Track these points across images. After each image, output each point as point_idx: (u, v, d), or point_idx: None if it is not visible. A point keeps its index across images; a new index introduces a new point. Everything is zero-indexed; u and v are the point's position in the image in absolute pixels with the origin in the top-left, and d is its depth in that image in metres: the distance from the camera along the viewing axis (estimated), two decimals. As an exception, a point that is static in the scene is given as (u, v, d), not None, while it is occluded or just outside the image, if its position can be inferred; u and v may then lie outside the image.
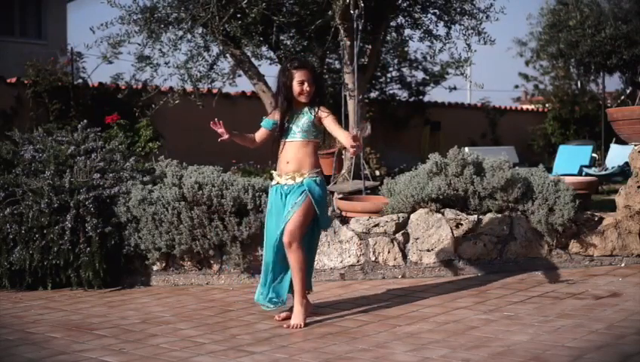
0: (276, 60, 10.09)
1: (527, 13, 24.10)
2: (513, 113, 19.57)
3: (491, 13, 9.54)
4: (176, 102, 9.61)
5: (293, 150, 4.54)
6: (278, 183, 4.58)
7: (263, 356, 3.78)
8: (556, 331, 4.09)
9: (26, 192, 5.72)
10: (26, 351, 3.97)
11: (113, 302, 5.26)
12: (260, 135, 4.77)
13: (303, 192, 4.45)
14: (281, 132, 4.57)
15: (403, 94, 17.17)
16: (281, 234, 4.42)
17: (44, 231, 5.60)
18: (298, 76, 4.52)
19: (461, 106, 18.87)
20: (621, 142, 9.31)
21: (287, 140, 4.56)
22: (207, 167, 5.92)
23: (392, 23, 10.38)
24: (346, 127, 9.15)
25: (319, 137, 4.62)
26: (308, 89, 4.51)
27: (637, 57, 14.01)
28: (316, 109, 4.54)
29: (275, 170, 4.66)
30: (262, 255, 5.66)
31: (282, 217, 4.46)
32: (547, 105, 19.47)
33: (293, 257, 4.39)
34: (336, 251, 5.73)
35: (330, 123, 4.53)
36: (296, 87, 4.52)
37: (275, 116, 4.66)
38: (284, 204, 4.49)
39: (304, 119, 4.54)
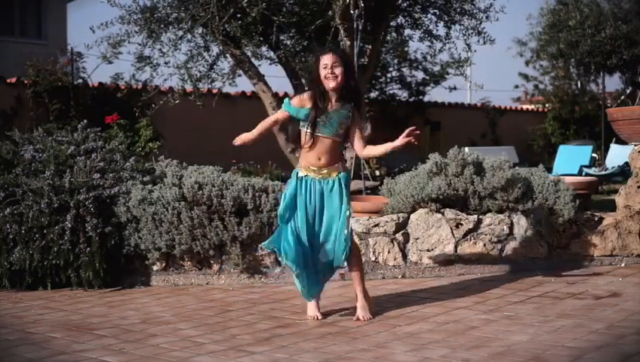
0: (276, 60, 10.10)
1: (527, 13, 24.15)
2: (513, 113, 19.58)
3: (491, 13, 9.55)
4: (176, 102, 9.61)
5: (327, 146, 4.46)
6: (307, 175, 4.48)
7: (263, 356, 3.78)
8: (556, 331, 4.09)
9: (26, 192, 5.72)
10: (26, 351, 3.97)
11: (113, 302, 5.26)
12: (281, 118, 4.56)
13: (341, 187, 4.49)
14: (314, 125, 4.41)
15: (403, 94, 17.20)
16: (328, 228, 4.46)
17: (44, 231, 5.59)
18: (323, 60, 4.39)
19: (461, 106, 18.88)
20: (621, 142, 9.31)
21: (321, 135, 4.43)
22: (207, 167, 5.92)
23: (392, 23, 10.38)
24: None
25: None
26: (331, 71, 4.35)
27: (637, 57, 14.02)
28: (351, 109, 4.49)
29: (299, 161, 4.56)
30: (262, 255, 5.68)
31: (318, 210, 4.45)
32: (547, 105, 19.47)
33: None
34: (336, 251, 5.72)
35: (357, 135, 4.57)
36: (321, 71, 4.38)
37: (306, 103, 4.43)
38: (319, 197, 4.46)
39: (340, 117, 4.44)
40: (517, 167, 6.25)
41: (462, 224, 5.78)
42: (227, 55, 9.54)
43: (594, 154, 12.41)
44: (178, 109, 10.46)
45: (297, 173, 4.53)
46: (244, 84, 22.15)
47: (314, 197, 4.47)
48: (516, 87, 24.79)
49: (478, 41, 9.56)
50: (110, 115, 9.77)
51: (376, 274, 5.73)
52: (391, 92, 16.99)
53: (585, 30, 14.07)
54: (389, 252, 5.75)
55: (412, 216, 5.85)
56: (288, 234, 4.45)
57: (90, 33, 9.39)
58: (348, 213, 4.46)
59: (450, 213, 5.82)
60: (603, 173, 10.89)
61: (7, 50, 15.30)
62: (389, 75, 16.88)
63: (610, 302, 4.74)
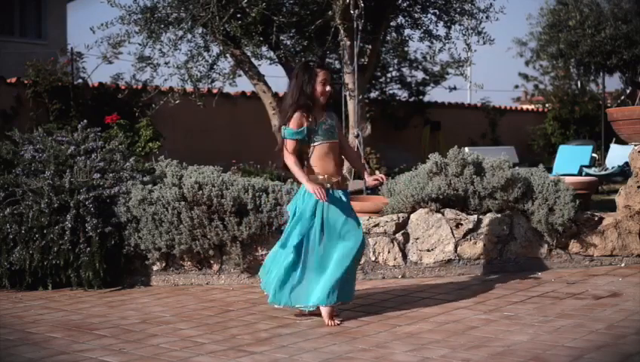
0: (276, 60, 10.10)
1: (527, 13, 24.15)
2: (513, 113, 19.57)
3: (491, 13, 9.58)
4: (177, 101, 9.62)
5: (337, 151, 4.55)
6: (329, 188, 4.46)
7: (263, 356, 3.78)
8: (556, 331, 4.09)
9: (26, 192, 5.72)
10: (26, 351, 3.97)
11: (113, 302, 5.26)
12: (296, 149, 4.46)
13: (348, 196, 4.57)
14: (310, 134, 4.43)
15: (403, 94, 17.20)
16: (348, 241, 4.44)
17: (44, 231, 5.59)
18: (321, 75, 4.46)
19: (461, 106, 18.87)
20: (621, 142, 9.31)
21: (330, 141, 4.49)
22: (207, 167, 5.91)
23: (392, 23, 10.40)
24: (346, 127, 9.19)
25: None
26: (329, 89, 4.49)
27: (637, 57, 14.02)
28: (335, 118, 4.60)
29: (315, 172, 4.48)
30: (262, 255, 5.68)
31: (334, 224, 4.43)
32: (547, 105, 19.47)
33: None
34: (336, 251, 5.72)
35: (344, 141, 4.73)
36: (318, 87, 4.45)
37: (301, 123, 4.41)
38: (336, 208, 4.45)
39: (331, 123, 4.53)
40: (517, 167, 6.25)
41: (462, 224, 5.78)
42: (227, 55, 9.55)
43: (594, 154, 12.40)
44: (178, 109, 10.47)
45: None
46: (244, 84, 22.14)
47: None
48: (516, 87, 24.79)
49: (478, 41, 9.59)
50: (110, 115, 9.75)
51: (376, 274, 5.73)
52: (391, 92, 16.99)
53: (585, 30, 14.07)
54: (389, 252, 5.75)
55: (412, 216, 5.85)
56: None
57: (90, 33, 9.40)
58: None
59: (450, 213, 5.82)
60: (603, 173, 10.89)
61: (7, 50, 15.28)
62: (389, 75, 16.88)
63: (610, 302, 4.74)
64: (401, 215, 5.84)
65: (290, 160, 4.44)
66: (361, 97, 9.35)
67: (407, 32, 10.71)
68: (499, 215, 5.86)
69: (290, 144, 4.44)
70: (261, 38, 9.14)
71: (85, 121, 6.53)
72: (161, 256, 5.73)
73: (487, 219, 5.83)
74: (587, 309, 4.58)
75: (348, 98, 9.26)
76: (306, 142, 4.44)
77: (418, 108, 17.01)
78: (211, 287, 5.67)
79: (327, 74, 4.51)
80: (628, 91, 16.29)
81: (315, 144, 4.45)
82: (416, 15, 10.01)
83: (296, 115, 4.42)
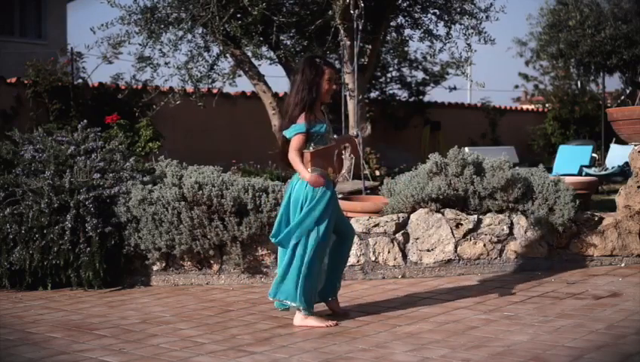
0: (276, 60, 10.10)
1: (527, 13, 24.17)
2: (513, 113, 19.58)
3: (491, 13, 9.58)
4: (177, 102, 9.62)
5: (334, 154, 4.54)
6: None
7: (263, 356, 3.78)
8: (556, 331, 4.09)
9: (26, 192, 5.72)
10: (26, 351, 3.97)
11: (113, 302, 5.26)
12: (302, 147, 4.34)
13: None
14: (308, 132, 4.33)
15: (403, 94, 17.21)
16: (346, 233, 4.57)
17: (44, 231, 5.60)
18: (328, 73, 4.36)
19: (461, 106, 18.87)
20: (621, 142, 9.31)
21: (329, 145, 4.43)
22: (207, 167, 5.91)
23: (392, 23, 10.40)
24: (346, 127, 9.19)
25: None
26: (335, 88, 4.42)
27: (637, 57, 14.03)
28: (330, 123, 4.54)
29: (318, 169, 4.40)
30: (262, 255, 5.68)
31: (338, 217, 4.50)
32: (547, 105, 19.48)
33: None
34: (336, 251, 5.71)
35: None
36: (325, 85, 4.35)
37: (308, 120, 4.32)
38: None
39: (329, 127, 4.45)
40: (517, 167, 6.25)
41: (462, 224, 5.78)
42: (227, 55, 9.55)
43: (594, 154, 12.40)
44: (178, 109, 10.46)
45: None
46: (244, 84, 22.17)
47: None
48: (516, 87, 24.81)
49: (479, 40, 9.58)
50: (110, 115, 9.75)
51: (376, 274, 5.73)
52: (391, 92, 17.00)
53: (585, 30, 14.08)
54: (389, 252, 5.75)
55: (412, 216, 5.85)
56: None
57: (90, 33, 9.40)
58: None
59: (450, 213, 5.82)
60: (603, 173, 10.89)
61: (7, 50, 15.28)
62: (389, 75, 16.88)
63: (610, 302, 4.75)
64: (401, 215, 5.84)
65: (293, 154, 4.30)
66: (361, 97, 9.35)
67: (407, 32, 10.71)
68: (499, 215, 5.86)
69: (297, 140, 4.29)
70: (261, 38, 9.14)
71: (85, 121, 6.53)
72: (161, 256, 5.73)
73: (487, 219, 5.83)
74: (587, 309, 4.58)
75: (348, 98, 9.26)
76: (313, 142, 4.34)
77: (418, 108, 17.01)
78: (211, 287, 5.67)
79: (333, 72, 4.42)
80: (628, 91, 16.29)
81: (317, 148, 4.36)
82: (416, 15, 10.00)
83: (304, 115, 4.32)
